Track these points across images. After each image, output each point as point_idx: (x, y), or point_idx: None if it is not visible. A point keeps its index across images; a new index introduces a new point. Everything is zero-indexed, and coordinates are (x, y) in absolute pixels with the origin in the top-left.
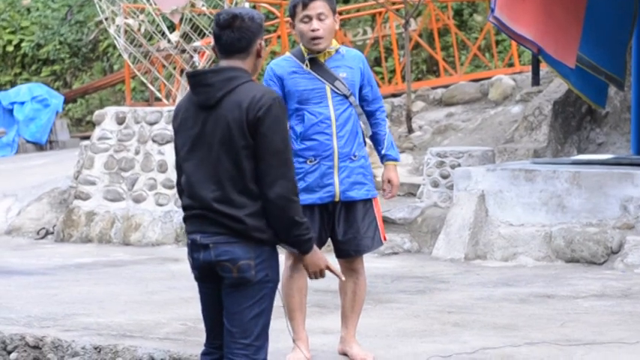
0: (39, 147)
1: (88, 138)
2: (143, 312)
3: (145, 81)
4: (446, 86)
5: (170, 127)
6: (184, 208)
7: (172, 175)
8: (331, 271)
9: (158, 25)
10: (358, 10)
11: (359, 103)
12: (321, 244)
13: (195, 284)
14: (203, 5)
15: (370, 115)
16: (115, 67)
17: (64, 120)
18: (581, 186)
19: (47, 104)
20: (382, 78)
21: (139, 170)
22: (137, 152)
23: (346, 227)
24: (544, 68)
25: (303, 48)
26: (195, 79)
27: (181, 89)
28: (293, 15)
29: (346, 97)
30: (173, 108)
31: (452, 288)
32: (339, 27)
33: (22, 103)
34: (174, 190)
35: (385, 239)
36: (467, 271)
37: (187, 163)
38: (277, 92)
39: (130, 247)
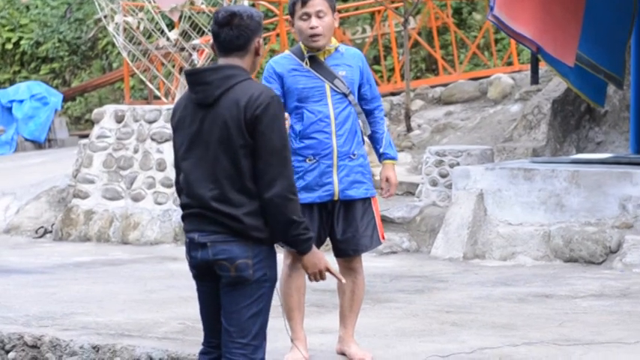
0: (38, 145)
1: (86, 136)
2: (142, 311)
3: (144, 79)
4: (445, 85)
5: (169, 125)
6: (182, 206)
7: (171, 173)
8: (331, 272)
9: (157, 23)
10: (357, 9)
11: (357, 101)
12: (319, 244)
13: (193, 283)
14: (202, 3)
15: (369, 114)
16: (114, 65)
17: (63, 118)
18: (580, 185)
19: (46, 102)
20: (381, 76)
21: (138, 169)
22: (136, 151)
23: (345, 226)
24: (543, 67)
25: (302, 46)
26: (193, 77)
27: (180, 87)
28: (292, 12)
29: (345, 95)
30: (172, 106)
31: (450, 287)
32: (338, 25)
33: (21, 101)
34: (173, 189)
35: (384, 238)
36: (465, 271)
37: (185, 162)
38: (277, 90)
39: (129, 245)
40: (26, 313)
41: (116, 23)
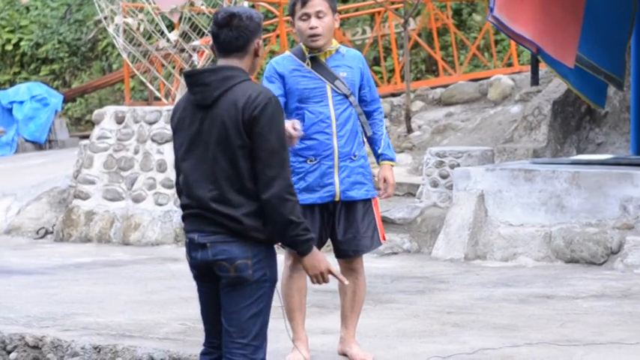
0: (38, 146)
1: (87, 137)
2: (142, 312)
3: (144, 80)
4: (445, 86)
5: (169, 126)
6: (182, 207)
7: (172, 174)
8: (333, 274)
9: (157, 24)
10: (357, 10)
11: (357, 103)
12: (321, 245)
13: (194, 284)
14: (202, 4)
15: (368, 116)
16: (114, 66)
17: (63, 119)
18: (580, 186)
19: (46, 103)
20: (381, 77)
21: (139, 170)
22: (136, 152)
23: (346, 227)
24: (543, 68)
25: (303, 47)
26: (192, 78)
27: (180, 88)
28: (292, 13)
29: (346, 96)
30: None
31: (451, 288)
32: (338, 26)
33: (22, 103)
34: (174, 190)
35: (384, 239)
36: (466, 272)
37: (185, 163)
38: (279, 89)
39: (130, 246)
40: (27, 314)
41: (116, 24)
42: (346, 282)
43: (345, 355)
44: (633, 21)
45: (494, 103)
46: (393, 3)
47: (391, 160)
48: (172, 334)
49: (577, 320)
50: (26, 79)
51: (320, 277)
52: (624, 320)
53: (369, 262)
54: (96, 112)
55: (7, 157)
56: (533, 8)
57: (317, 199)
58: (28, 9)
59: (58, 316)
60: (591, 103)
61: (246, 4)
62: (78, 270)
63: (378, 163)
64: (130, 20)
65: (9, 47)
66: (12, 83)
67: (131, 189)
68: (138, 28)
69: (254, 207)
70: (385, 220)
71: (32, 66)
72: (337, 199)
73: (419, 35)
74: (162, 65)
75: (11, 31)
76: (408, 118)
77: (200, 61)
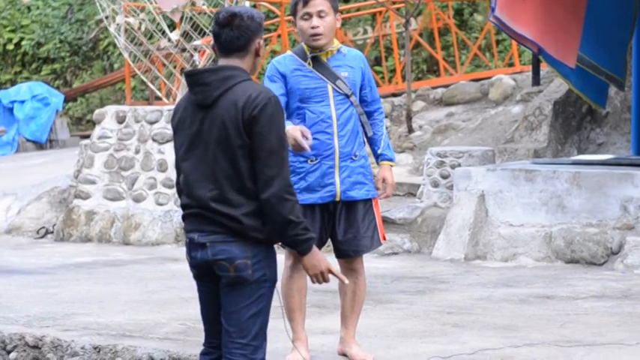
0: (39, 146)
1: (88, 137)
2: (143, 312)
3: (145, 80)
4: (446, 86)
5: (170, 126)
6: (183, 206)
7: (172, 174)
8: (333, 274)
9: (158, 23)
10: (358, 10)
11: (358, 103)
12: (321, 245)
13: (194, 284)
14: (203, 4)
15: (368, 116)
16: (116, 65)
17: (64, 119)
18: (581, 186)
19: (47, 103)
20: (382, 77)
21: (139, 169)
22: (137, 151)
23: (346, 227)
24: (544, 68)
25: (305, 47)
26: (193, 78)
27: (181, 88)
28: (294, 13)
29: (347, 96)
30: (173, 107)
31: (452, 288)
32: (340, 26)
33: (23, 102)
34: (174, 190)
35: (385, 239)
36: (467, 272)
37: (185, 163)
38: (281, 89)
39: (130, 246)
40: (27, 314)
41: (117, 24)
42: (346, 281)
43: (345, 355)
44: (635, 21)
45: (495, 103)
46: (394, 3)
47: (390, 160)
48: (172, 334)
49: (577, 321)
50: (27, 79)
51: (320, 277)
52: (624, 321)
53: (369, 262)
54: (97, 111)
55: (7, 157)
56: (534, 8)
57: (317, 199)
58: (29, 8)
59: (58, 316)
60: (592, 103)
61: (247, 3)
62: (78, 270)
63: (377, 163)
64: (131, 20)
65: (10, 47)
66: (13, 83)
67: (132, 189)
68: (139, 28)
69: (254, 207)
70: (385, 220)
71: (33, 65)
72: (338, 199)
73: (420, 35)
74: (164, 65)
75: (12, 31)
76: (409, 118)
77: (201, 61)
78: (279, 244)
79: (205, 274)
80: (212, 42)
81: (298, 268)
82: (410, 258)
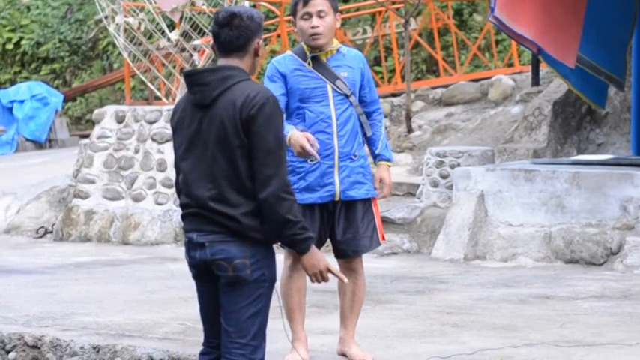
0: (38, 145)
1: (87, 137)
2: (142, 311)
3: (144, 80)
4: (446, 86)
5: (169, 125)
6: (182, 206)
7: (172, 174)
8: (332, 273)
9: (158, 23)
10: (358, 10)
11: (358, 103)
12: (320, 244)
13: (193, 283)
14: (203, 4)
15: (367, 116)
16: (115, 65)
17: (64, 118)
18: (580, 186)
19: (47, 103)
20: (382, 77)
21: (139, 169)
22: (137, 151)
23: (346, 226)
24: (544, 68)
25: (305, 46)
26: (192, 78)
27: (181, 88)
28: (294, 12)
29: (347, 96)
30: (172, 107)
31: (451, 288)
32: (339, 26)
33: (22, 102)
34: (174, 189)
35: (384, 239)
36: (466, 272)
37: (184, 162)
38: (281, 88)
39: (129, 246)
40: (27, 313)
41: (117, 24)
42: (346, 280)
43: (344, 355)
44: (634, 21)
45: (494, 104)
46: (394, 3)
47: (388, 160)
48: (172, 333)
49: (576, 321)
50: (27, 78)
51: (319, 276)
52: (624, 321)
53: (369, 262)
54: (96, 111)
55: (7, 156)
56: (534, 8)
57: (317, 198)
58: (29, 8)
59: (58, 316)
60: (592, 103)
61: (247, 3)
62: (77, 269)
63: (375, 163)
64: (130, 19)
65: (10, 46)
66: (12, 82)
67: (131, 188)
68: (139, 28)
69: (252, 206)
70: (385, 220)
71: (33, 65)
72: (337, 198)
73: (420, 35)
74: (163, 65)
75: (12, 30)
76: (408, 118)
77: (201, 61)
78: (279, 243)
79: (204, 273)
80: (211, 42)
81: (297, 267)
82: (409, 258)
